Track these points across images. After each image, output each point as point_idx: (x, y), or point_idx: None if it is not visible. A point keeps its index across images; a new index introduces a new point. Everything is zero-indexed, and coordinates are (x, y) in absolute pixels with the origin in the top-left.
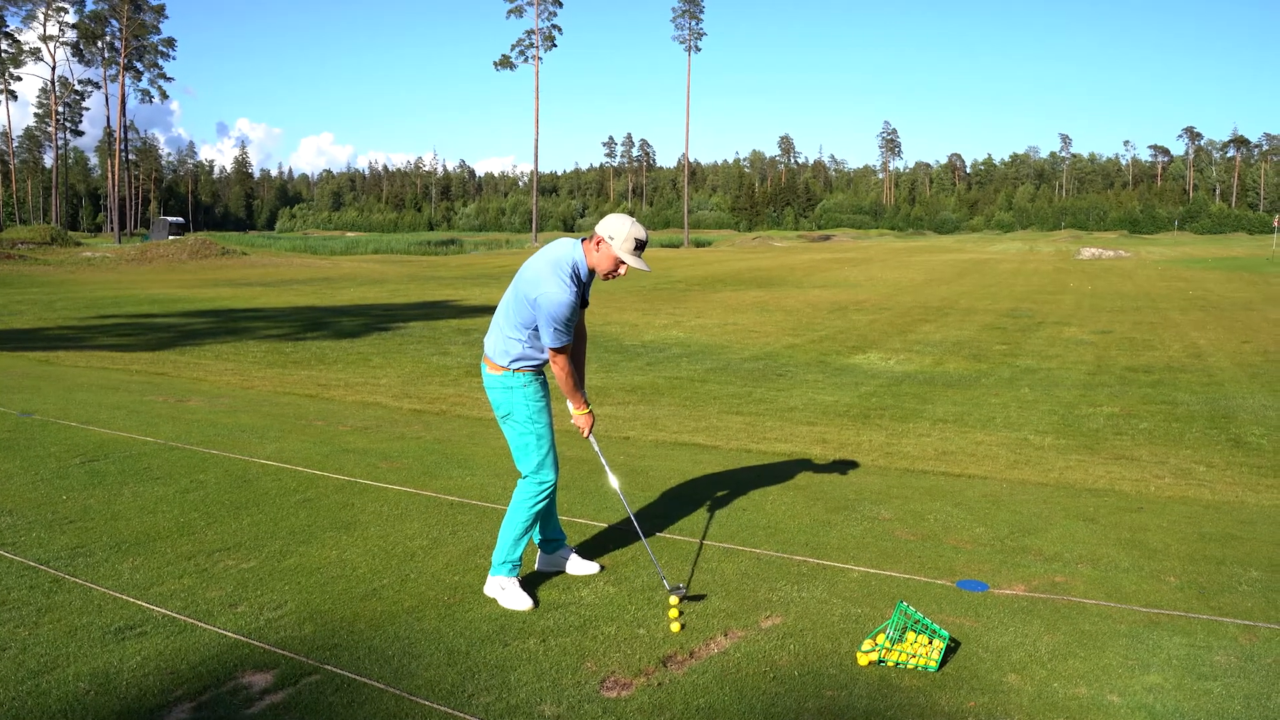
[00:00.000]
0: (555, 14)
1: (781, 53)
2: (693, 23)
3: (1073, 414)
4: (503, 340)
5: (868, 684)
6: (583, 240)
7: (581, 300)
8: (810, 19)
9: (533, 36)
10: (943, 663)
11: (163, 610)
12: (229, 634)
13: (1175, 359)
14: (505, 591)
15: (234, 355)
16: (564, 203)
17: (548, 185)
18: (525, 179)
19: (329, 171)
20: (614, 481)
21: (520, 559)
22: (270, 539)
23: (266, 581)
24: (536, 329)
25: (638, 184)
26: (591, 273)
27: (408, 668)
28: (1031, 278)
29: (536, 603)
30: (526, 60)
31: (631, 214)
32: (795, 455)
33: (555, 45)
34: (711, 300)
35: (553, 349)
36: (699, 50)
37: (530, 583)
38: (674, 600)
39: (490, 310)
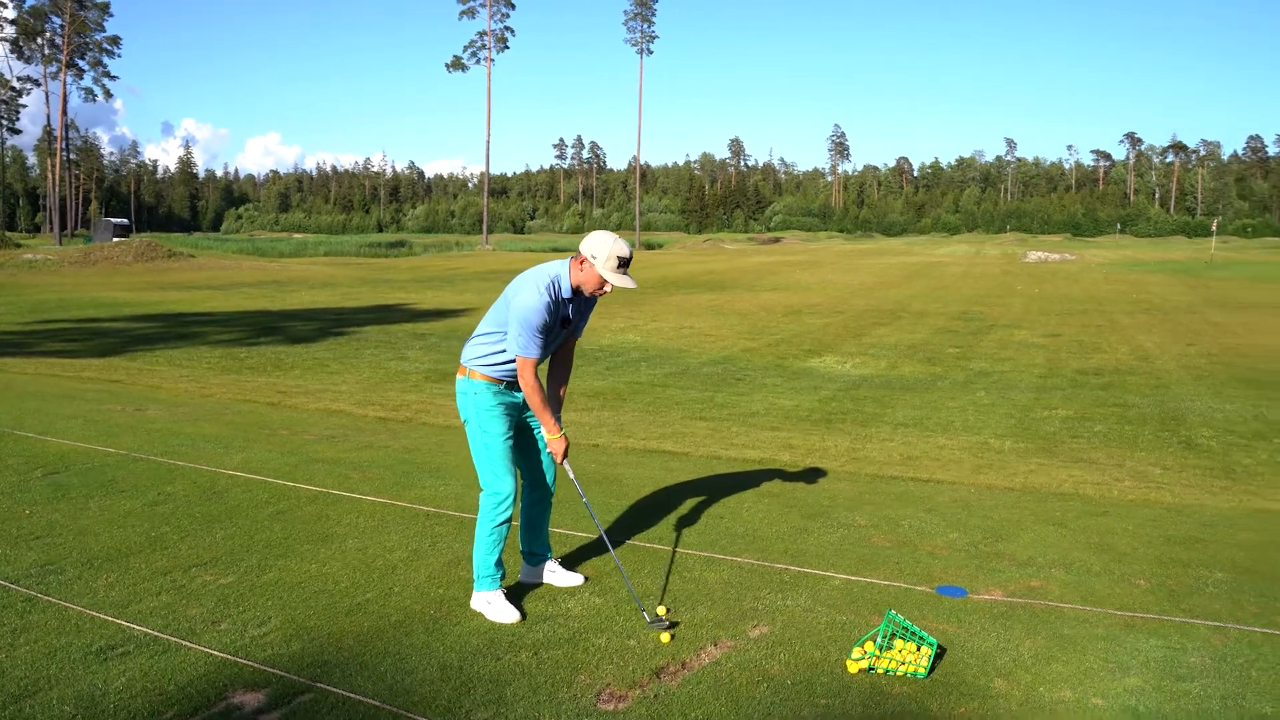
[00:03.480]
0: (508, 16)
1: (732, 56)
2: (645, 25)
3: (1029, 417)
4: (472, 342)
5: (860, 692)
6: (570, 259)
7: (563, 318)
8: (761, 22)
9: (485, 38)
10: (931, 669)
11: (143, 629)
12: (215, 652)
13: (1123, 362)
14: (491, 605)
15: (188, 361)
16: (514, 204)
17: (498, 187)
18: (475, 180)
19: (276, 172)
20: (594, 516)
21: (500, 568)
22: (246, 553)
23: (247, 597)
24: (504, 334)
25: (588, 186)
26: (577, 292)
27: (401, 684)
28: (980, 281)
29: (524, 615)
30: (479, 62)
31: (583, 216)
32: (764, 461)
33: (507, 47)
34: (666, 303)
35: (519, 357)
36: (651, 53)
37: (515, 595)
38: (658, 634)
39: (446, 314)
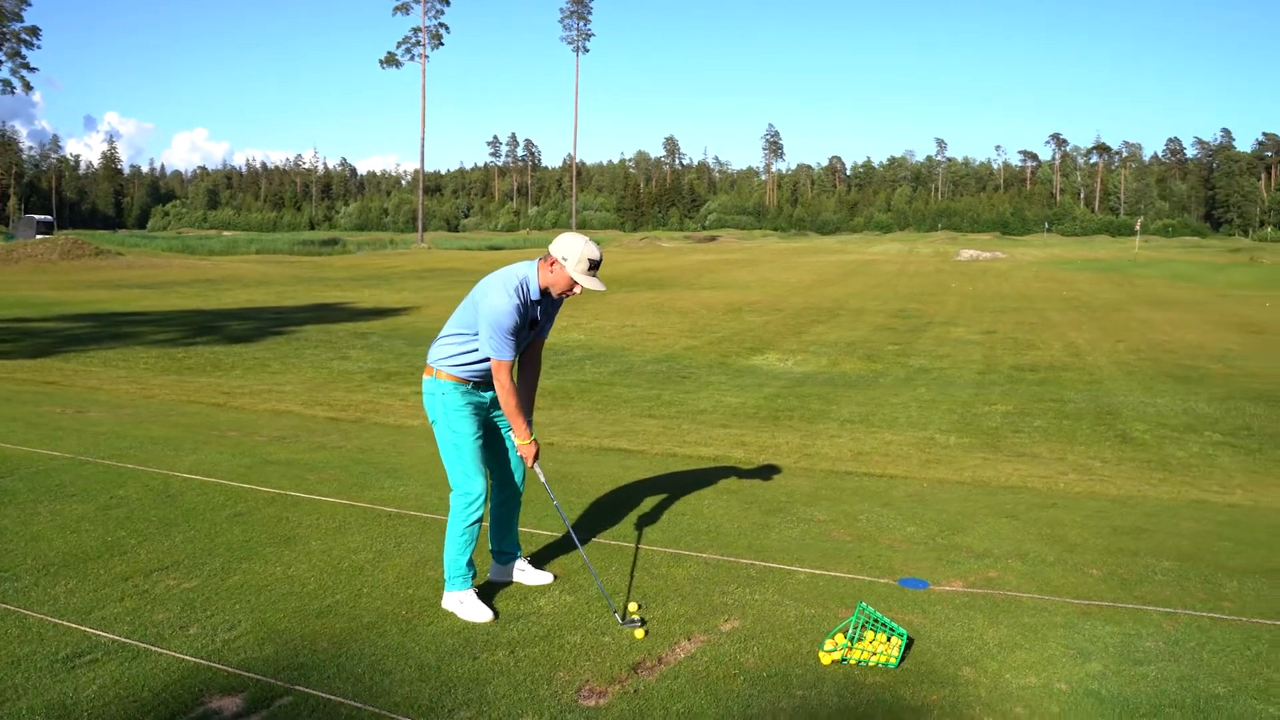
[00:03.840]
0: (443, 12)
1: (667, 54)
2: (581, 24)
3: (970, 413)
4: (439, 343)
5: (835, 682)
6: (539, 260)
7: (530, 318)
8: (696, 22)
9: (419, 34)
10: (901, 659)
11: (110, 635)
12: (187, 657)
13: (1057, 358)
14: (464, 605)
15: (124, 362)
16: (448, 202)
17: (431, 184)
18: (409, 178)
19: (204, 168)
20: (561, 514)
21: (471, 567)
22: (208, 556)
23: (213, 601)
24: (473, 334)
25: (523, 184)
26: (545, 293)
27: (380, 685)
28: (914, 279)
29: (496, 614)
30: (413, 58)
31: (519, 214)
32: (719, 459)
33: (442, 44)
34: (608, 302)
35: (493, 360)
36: (587, 51)
37: (485, 593)
38: (632, 630)
39: (385, 313)
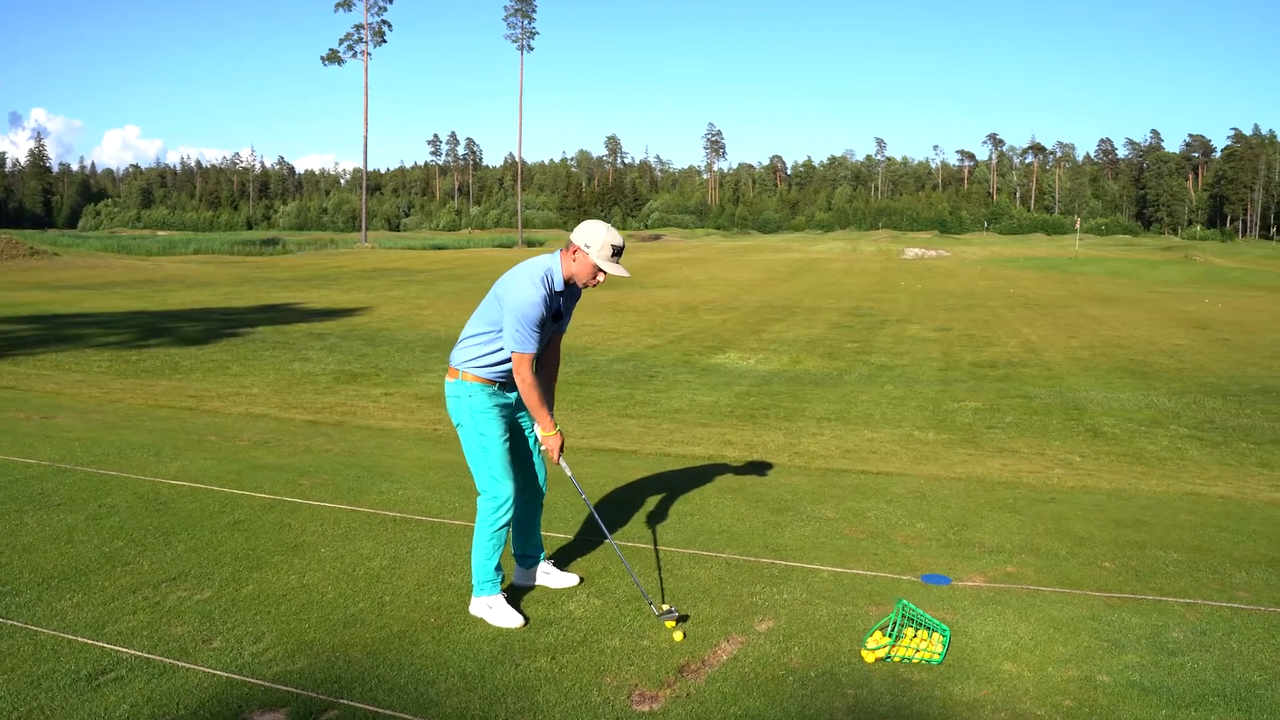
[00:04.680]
0: (385, 9)
1: (609, 53)
2: (525, 22)
3: (941, 409)
4: (463, 344)
5: (883, 680)
6: (560, 250)
7: (554, 311)
8: (639, 21)
9: (362, 31)
10: (944, 655)
11: (130, 651)
12: (218, 672)
13: (1014, 354)
14: (493, 610)
15: (77, 365)
16: (389, 201)
17: (371, 183)
18: (347, 177)
19: (136, 166)
20: (592, 510)
21: (500, 571)
22: (215, 566)
23: (231, 613)
24: (498, 331)
25: (464, 183)
26: (569, 284)
27: (426, 695)
28: (863, 277)
29: (526, 619)
30: (355, 56)
31: (460, 213)
32: (713, 458)
33: (385, 41)
34: None
35: (516, 353)
36: (531, 49)
37: (512, 598)
38: (670, 624)
39: (339, 314)
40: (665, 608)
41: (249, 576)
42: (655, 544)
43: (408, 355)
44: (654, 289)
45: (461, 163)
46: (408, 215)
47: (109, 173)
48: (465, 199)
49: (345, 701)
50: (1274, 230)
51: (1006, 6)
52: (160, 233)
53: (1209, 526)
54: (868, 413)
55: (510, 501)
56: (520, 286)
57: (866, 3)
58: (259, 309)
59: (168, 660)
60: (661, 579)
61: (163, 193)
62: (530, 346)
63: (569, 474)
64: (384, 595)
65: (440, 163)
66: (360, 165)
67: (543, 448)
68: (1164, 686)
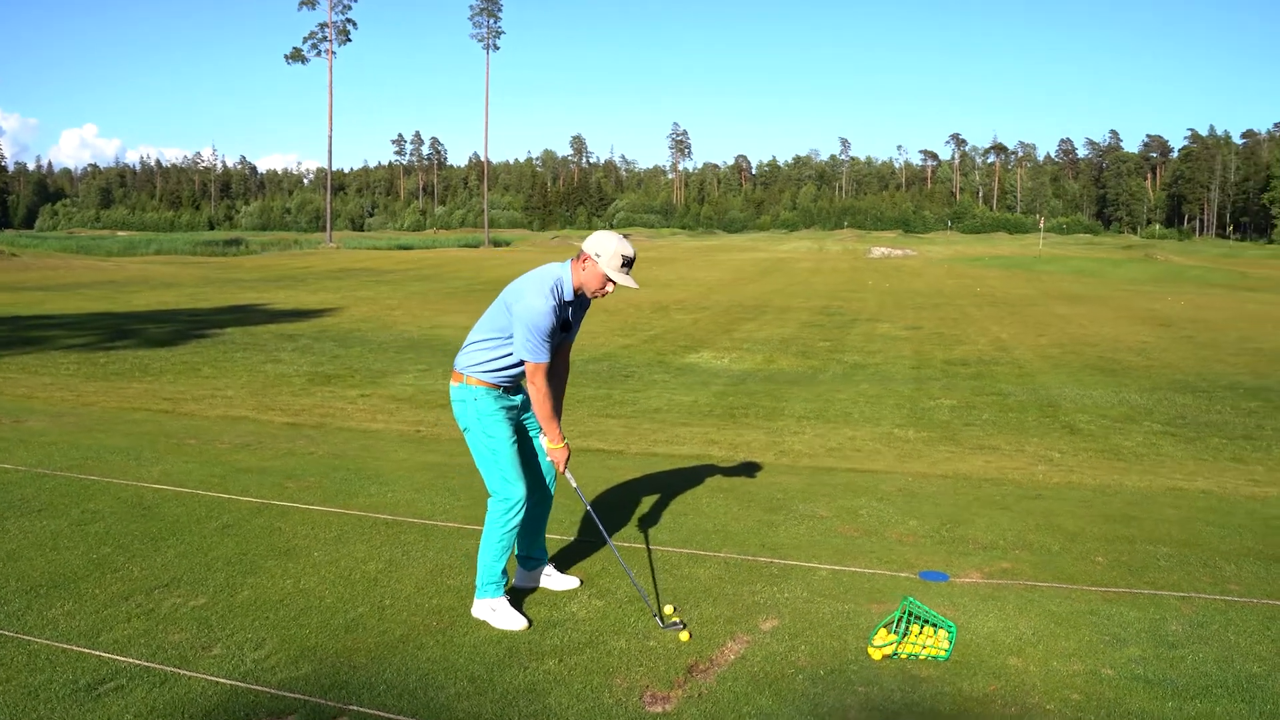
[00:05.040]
0: (350, 8)
1: (574, 52)
2: (491, 21)
3: (918, 407)
4: (468, 349)
5: (893, 677)
6: (571, 260)
7: (564, 320)
8: (602, 20)
9: (326, 30)
10: (950, 651)
11: (128, 660)
12: (222, 680)
13: (985, 352)
14: (496, 613)
15: (44, 368)
16: (353, 201)
17: (335, 183)
18: (310, 176)
19: (95, 166)
20: (595, 518)
21: (505, 574)
22: (208, 572)
23: (229, 619)
24: (506, 337)
25: (429, 183)
26: (579, 294)
27: (437, 700)
28: (831, 276)
29: (530, 621)
30: (319, 54)
31: (425, 213)
32: (700, 457)
33: (349, 39)
34: None
35: (529, 363)
36: (497, 49)
37: (513, 600)
38: (675, 633)
39: (308, 314)
40: (672, 619)
41: (243, 582)
42: (647, 544)
43: (381, 356)
44: (624, 288)
45: (426, 162)
46: (372, 215)
47: (66, 172)
48: (430, 199)
49: (355, 707)
50: (1230, 229)
51: (970, 7)
52: (120, 233)
53: (1195, 521)
54: (846, 411)
55: (522, 503)
56: (530, 297)
57: (831, 3)
58: (226, 310)
59: (168, 668)
60: (655, 579)
61: (122, 192)
62: (543, 356)
63: (574, 485)
64: (383, 599)
65: (404, 162)
66: (324, 165)
67: (549, 459)
68: (1167, 679)
